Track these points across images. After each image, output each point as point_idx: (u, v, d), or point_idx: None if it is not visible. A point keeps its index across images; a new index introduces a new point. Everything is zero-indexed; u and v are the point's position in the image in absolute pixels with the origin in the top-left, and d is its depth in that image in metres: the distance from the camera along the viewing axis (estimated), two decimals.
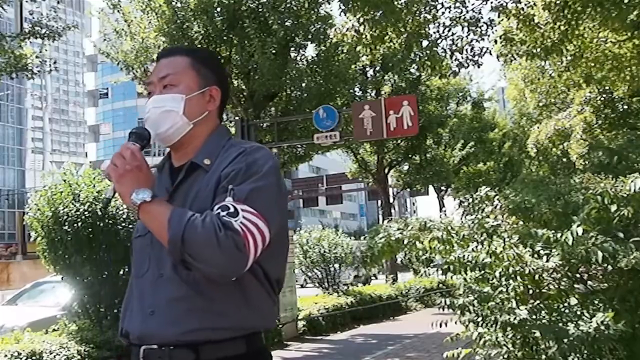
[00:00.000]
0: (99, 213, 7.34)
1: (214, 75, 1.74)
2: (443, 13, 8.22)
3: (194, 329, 1.49)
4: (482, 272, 3.48)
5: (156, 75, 1.71)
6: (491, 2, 8.31)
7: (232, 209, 1.45)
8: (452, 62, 8.49)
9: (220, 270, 1.44)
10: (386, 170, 19.37)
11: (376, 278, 13.64)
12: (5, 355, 5.96)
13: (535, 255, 3.42)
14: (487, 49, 8.36)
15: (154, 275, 1.58)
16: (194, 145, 1.67)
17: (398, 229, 3.86)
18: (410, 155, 19.62)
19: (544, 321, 3.26)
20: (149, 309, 1.55)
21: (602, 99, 13.89)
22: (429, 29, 8.33)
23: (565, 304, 3.41)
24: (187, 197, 1.59)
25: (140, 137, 1.64)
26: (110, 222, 7.42)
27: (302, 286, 14.49)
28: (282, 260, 1.68)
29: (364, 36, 7.97)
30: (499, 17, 8.38)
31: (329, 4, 12.06)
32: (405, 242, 3.79)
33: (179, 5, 11.40)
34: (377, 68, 17.37)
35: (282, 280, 1.68)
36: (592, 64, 9.71)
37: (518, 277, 3.36)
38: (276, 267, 1.63)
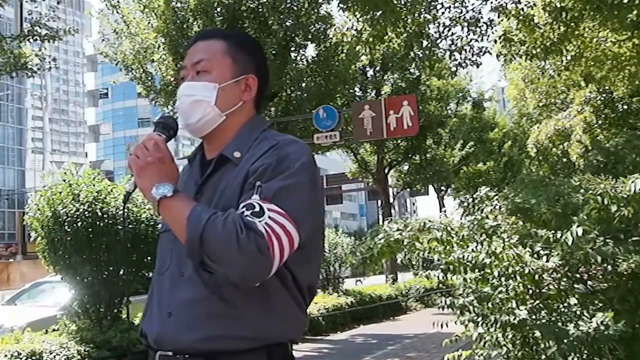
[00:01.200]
0: (99, 213, 7.35)
1: (252, 62, 1.60)
2: (443, 13, 8.24)
3: (211, 336, 1.39)
4: (482, 272, 3.47)
5: (190, 60, 1.58)
6: (491, 2, 8.32)
7: (257, 208, 1.34)
8: (451, 62, 8.51)
9: (241, 274, 1.34)
10: (386, 170, 19.38)
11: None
12: (5, 355, 5.96)
13: (535, 256, 3.42)
14: (486, 48, 8.37)
15: (175, 274, 1.48)
16: (227, 136, 1.55)
17: (397, 230, 3.85)
18: (410, 155, 19.63)
19: (543, 321, 3.26)
20: (166, 310, 1.47)
21: (602, 98, 13.89)
22: (429, 29, 8.35)
23: (565, 304, 3.41)
24: (215, 192, 1.48)
25: (166, 128, 1.55)
26: (110, 222, 7.42)
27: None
28: (315, 265, 1.55)
29: (363, 36, 7.97)
30: (498, 17, 8.39)
31: (329, 4, 12.09)
32: (405, 242, 3.79)
33: (178, 5, 11.41)
34: (377, 68, 17.39)
35: (315, 287, 1.55)
36: (592, 64, 9.71)
37: (518, 277, 3.35)
38: (308, 273, 1.49)
